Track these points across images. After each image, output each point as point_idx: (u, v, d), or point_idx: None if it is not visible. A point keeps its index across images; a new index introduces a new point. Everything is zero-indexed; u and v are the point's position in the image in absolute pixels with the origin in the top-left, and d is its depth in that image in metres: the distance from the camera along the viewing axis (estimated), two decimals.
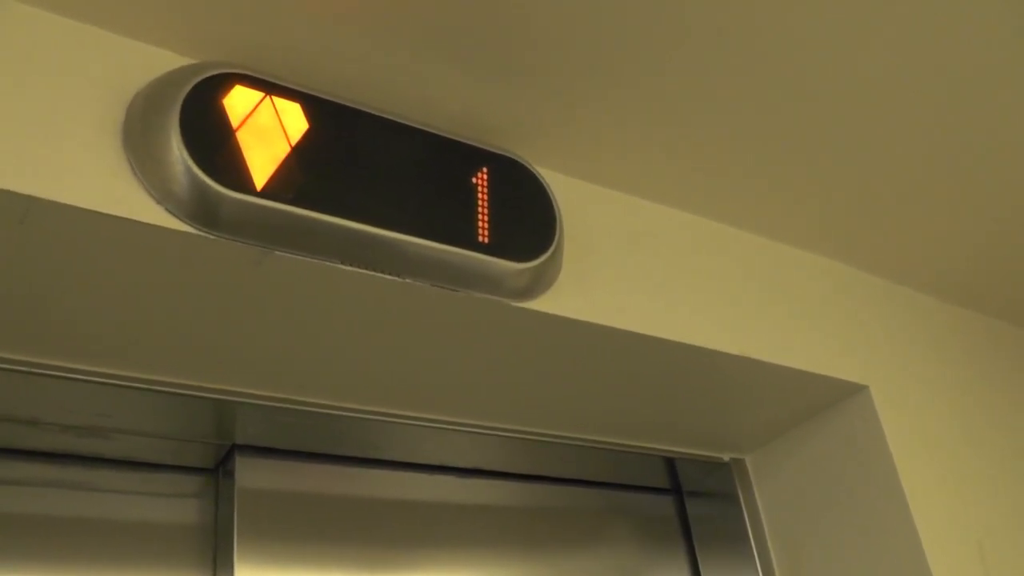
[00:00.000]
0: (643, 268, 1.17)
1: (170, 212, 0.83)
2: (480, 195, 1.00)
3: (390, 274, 0.94)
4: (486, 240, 0.98)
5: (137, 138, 0.84)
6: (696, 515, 1.48)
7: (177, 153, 0.83)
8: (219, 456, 1.14)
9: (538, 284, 1.03)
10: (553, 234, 1.03)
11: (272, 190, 0.87)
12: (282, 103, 0.91)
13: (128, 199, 0.82)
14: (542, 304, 1.03)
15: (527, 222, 1.02)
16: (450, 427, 1.22)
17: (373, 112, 0.97)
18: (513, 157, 1.05)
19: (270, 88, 0.91)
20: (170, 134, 0.83)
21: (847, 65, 1.08)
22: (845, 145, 1.21)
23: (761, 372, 1.23)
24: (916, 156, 1.24)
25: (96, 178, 0.81)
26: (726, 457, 1.47)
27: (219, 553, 1.08)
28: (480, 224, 0.98)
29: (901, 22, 1.02)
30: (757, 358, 1.20)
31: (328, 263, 0.90)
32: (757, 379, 1.26)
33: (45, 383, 0.96)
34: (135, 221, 0.82)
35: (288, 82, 0.92)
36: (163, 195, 0.83)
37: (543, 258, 1.01)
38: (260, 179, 0.86)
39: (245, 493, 1.11)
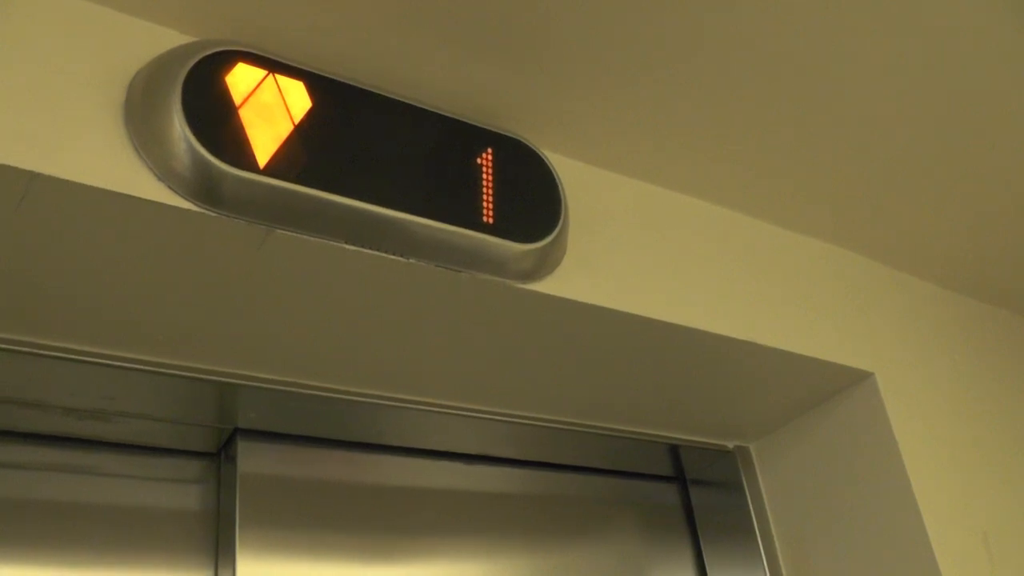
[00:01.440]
0: (648, 252, 1.16)
1: (172, 189, 0.83)
2: (485, 176, 0.99)
3: (394, 254, 0.93)
4: (491, 221, 0.97)
5: (139, 115, 0.83)
6: (700, 503, 1.47)
7: (179, 130, 0.82)
8: (221, 440, 1.13)
9: (543, 266, 1.02)
10: (558, 216, 1.03)
11: (275, 168, 0.86)
12: (285, 81, 0.90)
13: (129, 176, 0.81)
14: (546, 286, 1.03)
15: (532, 203, 1.01)
16: (454, 412, 1.21)
17: (377, 91, 0.96)
18: (518, 138, 1.04)
19: (273, 66, 0.90)
20: (172, 111, 0.82)
21: (853, 54, 1.07)
22: (853, 133, 1.20)
23: (766, 358, 1.23)
24: (924, 145, 1.23)
25: (97, 155, 0.80)
26: (731, 445, 1.46)
27: (221, 538, 1.08)
28: (485, 205, 0.98)
29: (910, 11, 1.01)
30: (762, 343, 1.20)
31: (331, 243, 0.90)
32: (762, 365, 1.25)
33: (46, 364, 0.95)
34: (136, 198, 0.81)
35: (292, 60, 0.92)
36: (165, 172, 0.82)
37: (548, 240, 1.00)
38: (263, 157, 0.86)
39: (247, 478, 1.10)
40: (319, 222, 0.88)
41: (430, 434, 1.25)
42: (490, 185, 0.99)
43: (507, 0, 0.95)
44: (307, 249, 0.90)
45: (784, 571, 1.37)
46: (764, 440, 1.46)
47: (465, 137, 1.00)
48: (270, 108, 0.88)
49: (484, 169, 0.99)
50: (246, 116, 0.86)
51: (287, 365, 1.08)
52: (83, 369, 0.97)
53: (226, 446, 1.13)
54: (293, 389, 1.09)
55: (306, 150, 0.88)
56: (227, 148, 0.84)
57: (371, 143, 0.93)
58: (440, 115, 0.99)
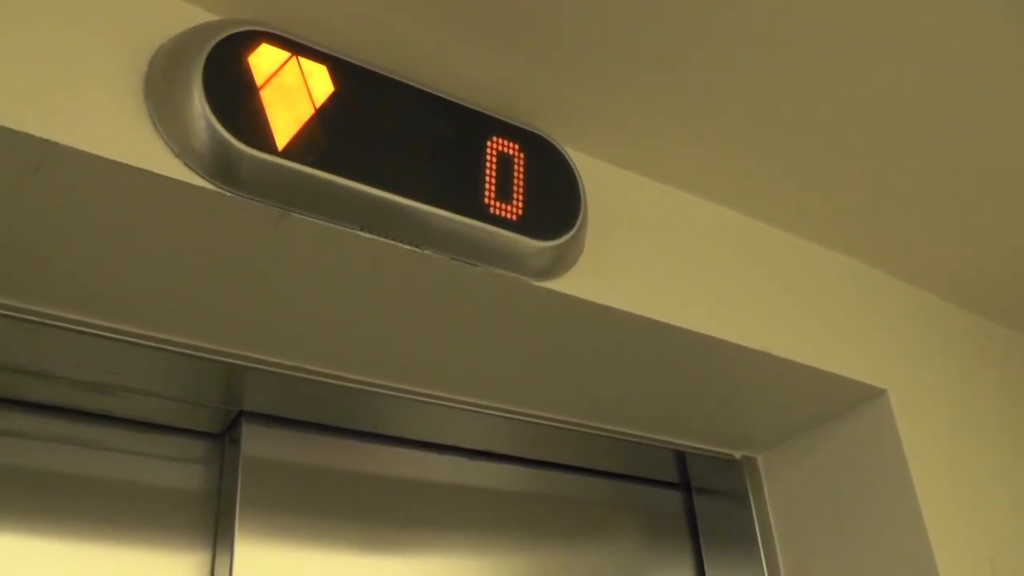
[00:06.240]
0: (665, 255, 1.15)
1: (188, 167, 0.82)
2: (505, 170, 0.98)
3: (409, 244, 0.92)
4: (508, 216, 0.96)
5: (159, 90, 0.83)
6: (704, 512, 1.46)
7: (199, 108, 0.82)
8: (227, 422, 1.12)
9: (559, 264, 1.01)
10: (577, 214, 1.02)
11: (294, 151, 0.85)
12: (308, 64, 0.89)
13: (146, 151, 0.81)
14: (561, 285, 1.02)
15: (552, 200, 1.00)
16: (460, 406, 1.20)
17: (401, 79, 0.95)
18: (540, 133, 1.03)
19: (297, 48, 0.89)
20: (192, 88, 0.82)
21: (879, 65, 1.05)
22: (876, 147, 1.18)
23: (779, 369, 1.21)
24: (946, 163, 1.22)
25: (115, 127, 0.80)
26: (738, 455, 1.45)
27: (221, 520, 1.07)
28: (502, 199, 0.96)
29: (932, 18, 1.00)
30: (776, 354, 1.18)
31: (347, 229, 0.89)
32: (774, 376, 1.24)
33: (53, 334, 0.95)
34: (152, 173, 0.80)
35: (316, 44, 0.91)
36: (182, 149, 0.82)
37: (566, 237, 0.99)
38: (282, 139, 0.85)
39: (250, 461, 1.10)
40: (335, 207, 0.88)
41: (434, 427, 1.24)
42: (509, 179, 0.98)
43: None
44: (321, 234, 0.89)
45: None
46: (772, 452, 1.45)
47: (486, 130, 0.99)
48: (292, 91, 0.87)
49: (504, 163, 0.98)
50: (267, 97, 0.86)
51: (296, 350, 1.07)
52: (89, 341, 0.96)
53: (231, 428, 1.12)
54: (301, 375, 1.09)
55: (326, 134, 0.88)
56: (246, 128, 0.83)
57: (392, 131, 0.92)
58: (464, 107, 0.98)
